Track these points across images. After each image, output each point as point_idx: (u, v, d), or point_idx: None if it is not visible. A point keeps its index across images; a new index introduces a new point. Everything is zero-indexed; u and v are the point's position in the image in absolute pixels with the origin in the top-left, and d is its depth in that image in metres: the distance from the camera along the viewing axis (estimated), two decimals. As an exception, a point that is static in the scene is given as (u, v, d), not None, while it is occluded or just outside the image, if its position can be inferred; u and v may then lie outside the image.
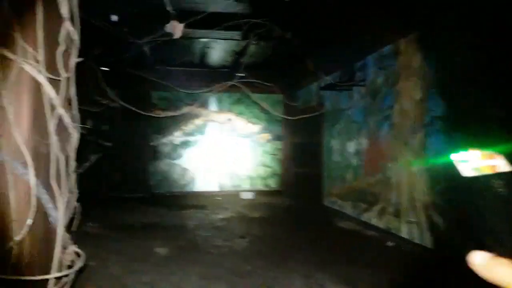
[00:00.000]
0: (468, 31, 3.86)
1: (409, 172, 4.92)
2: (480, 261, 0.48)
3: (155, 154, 9.70)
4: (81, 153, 7.49)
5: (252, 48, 6.49)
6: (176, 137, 9.80)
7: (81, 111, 7.71)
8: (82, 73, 5.76)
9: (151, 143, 9.65)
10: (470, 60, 3.85)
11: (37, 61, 2.08)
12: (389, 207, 5.33)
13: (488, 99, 3.60)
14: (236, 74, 6.82)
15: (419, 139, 4.73)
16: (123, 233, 5.67)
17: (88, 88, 6.60)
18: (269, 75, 7.71)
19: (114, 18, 4.71)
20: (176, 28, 3.94)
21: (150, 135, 9.63)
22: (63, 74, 2.28)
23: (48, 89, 2.15)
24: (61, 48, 2.20)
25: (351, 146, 6.57)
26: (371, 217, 5.81)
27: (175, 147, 9.79)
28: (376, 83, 5.77)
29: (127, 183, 9.39)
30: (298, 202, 8.66)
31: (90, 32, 4.75)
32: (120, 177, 9.39)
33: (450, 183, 4.09)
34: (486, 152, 0.50)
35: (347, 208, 6.70)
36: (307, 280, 3.76)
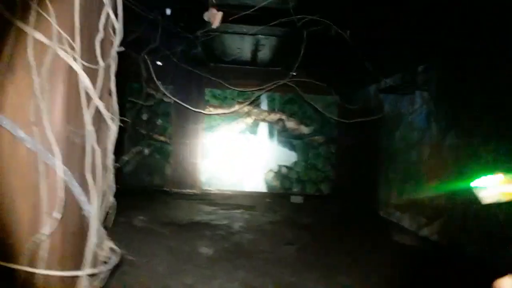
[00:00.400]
0: None
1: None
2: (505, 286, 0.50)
3: (206, 151, 9.71)
4: (133, 146, 7.62)
5: (307, 46, 6.18)
6: (228, 135, 9.73)
7: (135, 104, 7.86)
8: (136, 66, 5.84)
9: (203, 140, 9.67)
10: None
11: (73, 48, 1.97)
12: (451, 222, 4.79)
13: None
14: (290, 73, 6.55)
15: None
16: (170, 229, 5.62)
17: (142, 81, 6.69)
18: (325, 76, 7.35)
19: (168, 11, 4.66)
20: (215, 17, 3.75)
21: (201, 132, 9.65)
22: (101, 63, 2.16)
23: (83, 78, 2.03)
24: (99, 36, 2.07)
25: (412, 154, 6.03)
26: (433, 233, 5.26)
27: (227, 145, 9.73)
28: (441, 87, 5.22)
29: (179, 178, 9.47)
30: (351, 210, 8.19)
31: (145, 25, 4.78)
32: (171, 172, 9.50)
33: None
34: (507, 178, 0.53)
35: (406, 221, 6.16)
36: (358, 298, 3.40)
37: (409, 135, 6.15)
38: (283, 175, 9.78)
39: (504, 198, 0.36)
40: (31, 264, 1.96)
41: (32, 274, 1.97)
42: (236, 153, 9.73)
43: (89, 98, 2.15)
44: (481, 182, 0.36)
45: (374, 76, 6.65)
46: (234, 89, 7.92)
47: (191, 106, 6.13)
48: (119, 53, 2.44)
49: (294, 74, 6.71)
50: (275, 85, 6.95)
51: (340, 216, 7.68)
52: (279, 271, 4.08)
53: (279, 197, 9.35)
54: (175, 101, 6.06)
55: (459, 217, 4.65)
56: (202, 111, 7.37)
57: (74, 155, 2.13)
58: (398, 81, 6.25)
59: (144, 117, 9.47)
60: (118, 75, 2.47)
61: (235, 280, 3.74)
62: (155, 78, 4.67)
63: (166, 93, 5.81)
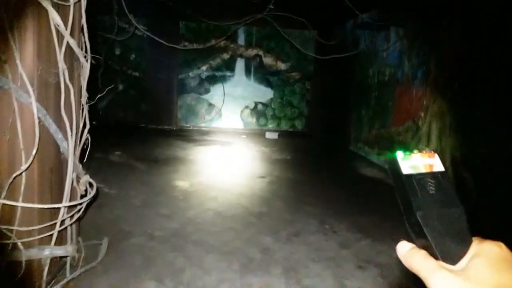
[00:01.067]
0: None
1: (441, 124, 4.62)
2: (401, 251, 0.51)
3: (182, 87, 9.63)
4: (108, 82, 7.53)
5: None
6: (203, 71, 9.62)
7: (107, 39, 7.57)
8: (108, 1, 5.56)
9: (179, 76, 9.54)
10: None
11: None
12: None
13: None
14: (267, 6, 6.38)
15: (455, 89, 4.36)
16: (146, 164, 5.78)
17: (113, 15, 6.40)
18: (302, 10, 7.19)
19: None
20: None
21: (177, 68, 9.48)
22: (71, 0, 2.11)
23: (54, 15, 2.00)
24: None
25: (383, 92, 6.21)
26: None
27: (202, 81, 9.66)
28: (416, 25, 5.26)
29: (155, 114, 9.47)
30: (323, 146, 8.52)
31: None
32: (147, 108, 9.47)
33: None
34: (427, 151, 0.53)
35: (373, 156, 6.51)
36: (321, 225, 3.74)
37: (382, 72, 6.29)
38: (259, 111, 9.91)
39: (420, 170, 0.43)
40: (11, 198, 2.07)
41: (13, 207, 2.09)
42: (212, 89, 9.70)
43: (60, 36, 2.13)
44: (404, 154, 0.43)
45: (351, 11, 6.58)
46: (210, 23, 7.68)
47: (165, 40, 5.95)
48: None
49: (272, 7, 6.54)
50: (252, 19, 6.79)
51: (313, 151, 8.02)
52: (251, 202, 4.36)
53: (255, 133, 9.57)
54: (148, 35, 5.88)
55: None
56: (176, 46, 7.18)
57: (49, 94, 2.16)
58: (374, 17, 6.23)
59: (117, 52, 9.17)
60: (88, 9, 2.42)
61: (209, 210, 4.00)
62: (126, 11, 4.48)
63: (138, 26, 5.60)
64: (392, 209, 3.95)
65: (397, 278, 2.88)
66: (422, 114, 5.01)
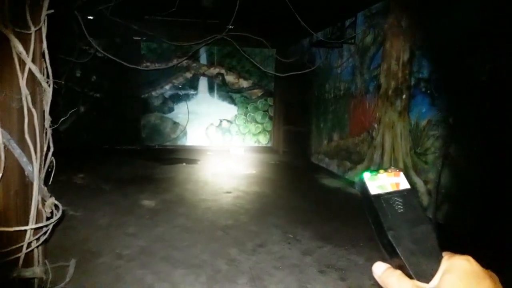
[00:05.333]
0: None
1: (392, 133, 4.95)
2: (377, 271, 0.52)
3: (145, 106, 9.64)
4: (69, 104, 7.39)
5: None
6: (167, 90, 9.70)
7: (67, 61, 7.46)
8: (68, 23, 5.60)
9: (142, 96, 9.56)
10: (459, 24, 3.75)
11: (3, 15, 2.00)
12: (372, 166, 5.42)
13: (474, 64, 3.55)
14: (226, 27, 6.61)
15: (404, 100, 4.71)
16: (112, 185, 5.76)
17: (74, 38, 6.41)
18: (262, 30, 7.48)
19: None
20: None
21: (140, 87, 9.51)
22: (32, 28, 2.20)
23: (16, 43, 2.08)
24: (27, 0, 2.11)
25: (339, 105, 6.55)
26: (356, 176, 5.91)
27: (166, 100, 9.72)
28: (365, 42, 5.65)
29: (118, 135, 9.40)
30: (287, 159, 8.77)
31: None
32: (110, 129, 9.39)
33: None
34: (392, 170, 0.54)
35: (333, 166, 6.80)
36: (285, 235, 3.90)
37: (338, 87, 6.64)
38: (224, 128, 10.06)
39: (387, 189, 0.47)
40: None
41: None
42: (176, 108, 9.78)
43: (22, 62, 2.21)
44: (370, 175, 0.47)
45: (306, 31, 6.92)
46: (170, 43, 7.82)
47: (126, 61, 6.01)
48: (50, 14, 2.45)
49: (231, 27, 6.76)
50: (212, 39, 6.98)
51: (277, 165, 8.23)
52: (217, 216, 4.47)
53: (221, 149, 9.69)
54: (108, 56, 5.92)
55: (378, 160, 5.29)
56: (137, 67, 7.25)
57: (12, 118, 2.22)
58: (328, 35, 6.61)
59: (78, 73, 9.10)
60: (49, 32, 2.49)
61: (176, 226, 4.07)
62: (86, 34, 4.55)
63: (98, 48, 5.65)
64: (351, 215, 4.20)
65: (355, 279, 3.07)
66: (376, 125, 5.34)
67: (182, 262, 3.22)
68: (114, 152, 8.94)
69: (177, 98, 9.75)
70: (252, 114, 10.12)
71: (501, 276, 0.50)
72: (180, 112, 9.79)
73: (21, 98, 2.25)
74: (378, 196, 0.52)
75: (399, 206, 0.52)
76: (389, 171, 0.55)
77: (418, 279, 0.48)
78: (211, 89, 9.89)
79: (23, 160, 2.30)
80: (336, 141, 6.69)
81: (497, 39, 3.27)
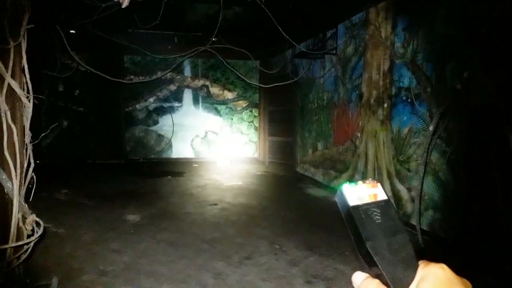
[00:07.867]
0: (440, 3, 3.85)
1: (375, 142, 5.02)
2: (356, 281, 0.54)
3: (129, 120, 9.57)
4: (52, 119, 7.28)
5: (226, 12, 6.29)
6: (151, 102, 9.66)
7: (50, 76, 7.37)
8: (50, 38, 5.55)
9: (126, 109, 9.49)
10: (439, 33, 3.86)
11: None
12: (356, 175, 5.48)
13: (452, 72, 3.65)
14: (209, 39, 6.64)
15: (385, 109, 4.80)
16: (96, 200, 5.67)
17: (56, 52, 6.36)
18: (245, 41, 7.54)
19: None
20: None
21: (124, 101, 9.44)
22: (11, 42, 2.19)
23: (-7, 58, 2.06)
24: (6, 15, 2.10)
25: (323, 115, 6.62)
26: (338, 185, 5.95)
27: (150, 113, 9.67)
28: (346, 52, 5.75)
29: (102, 149, 9.28)
30: (273, 169, 8.78)
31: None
32: (94, 143, 9.28)
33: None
34: (370, 181, 0.56)
35: (319, 176, 6.84)
36: (271, 246, 3.89)
37: (321, 97, 6.72)
38: (209, 140, 10.05)
39: (365, 200, 0.48)
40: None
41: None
42: (161, 120, 9.73)
43: (1, 78, 2.19)
44: (350, 187, 0.48)
45: (289, 42, 7.02)
46: (154, 56, 7.81)
47: (109, 74, 5.96)
48: (30, 28, 2.44)
49: (215, 40, 6.80)
50: (196, 52, 7.00)
51: (263, 176, 8.23)
52: (203, 229, 4.44)
53: (206, 161, 9.66)
54: (91, 70, 5.88)
55: (362, 169, 5.35)
56: (121, 80, 7.21)
57: (-9, 135, 2.19)
58: (310, 46, 6.70)
59: (60, 88, 9.00)
60: (30, 47, 2.47)
61: (161, 241, 4.02)
62: (68, 48, 4.52)
63: (81, 62, 5.61)
64: (337, 224, 4.21)
65: (342, 288, 3.07)
66: (359, 134, 5.41)
67: (168, 277, 3.17)
68: (98, 166, 8.83)
69: (161, 111, 9.71)
70: (237, 125, 10.14)
71: (475, 282, 0.50)
72: (164, 124, 9.74)
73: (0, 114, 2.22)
74: (356, 207, 0.53)
75: (377, 217, 0.53)
76: (367, 182, 0.56)
77: None
78: (196, 101, 9.89)
79: (2, 177, 2.26)
80: (321, 151, 6.74)
81: (471, 45, 3.37)
